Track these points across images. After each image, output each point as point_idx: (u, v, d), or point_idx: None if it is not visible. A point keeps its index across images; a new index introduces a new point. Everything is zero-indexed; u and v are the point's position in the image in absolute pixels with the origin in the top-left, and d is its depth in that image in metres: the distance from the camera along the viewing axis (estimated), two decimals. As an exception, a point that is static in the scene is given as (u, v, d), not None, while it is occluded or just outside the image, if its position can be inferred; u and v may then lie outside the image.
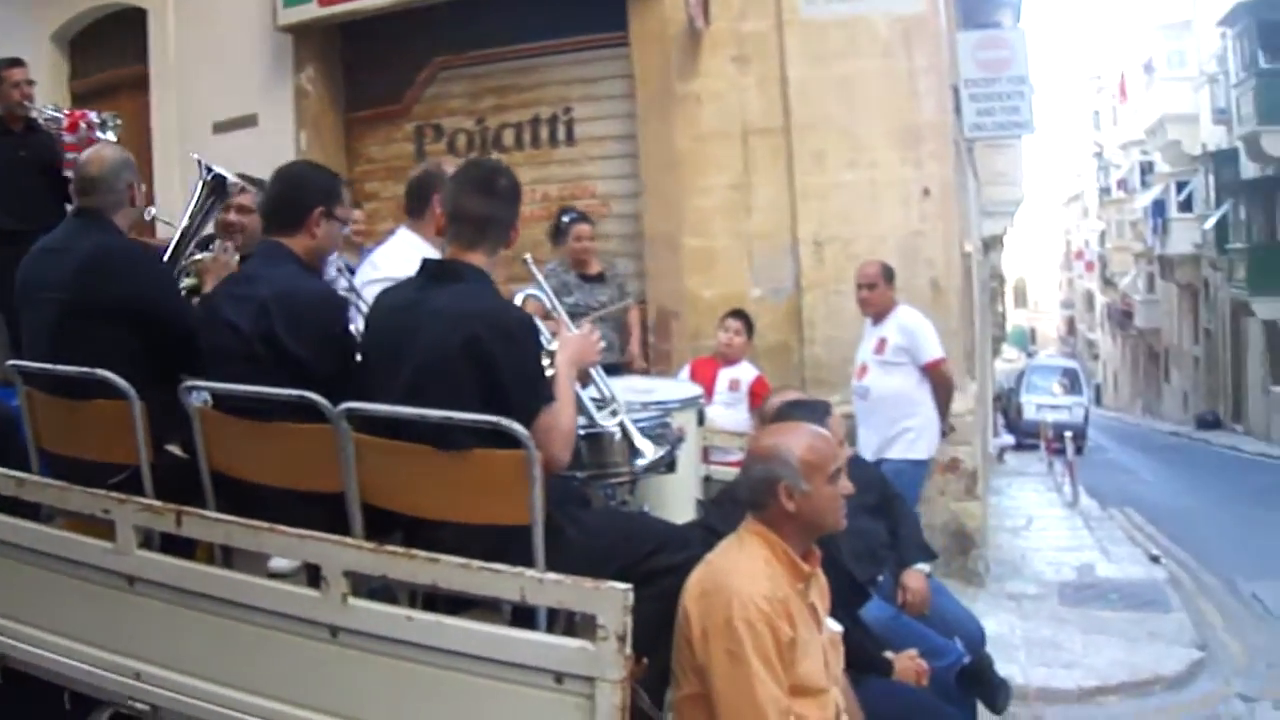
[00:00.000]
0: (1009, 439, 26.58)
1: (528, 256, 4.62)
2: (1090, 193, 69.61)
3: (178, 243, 5.72)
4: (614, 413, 4.67)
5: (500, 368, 3.94)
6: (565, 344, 4.41)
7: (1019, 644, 9.11)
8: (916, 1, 10.10)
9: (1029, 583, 11.37)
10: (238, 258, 5.52)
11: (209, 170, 5.81)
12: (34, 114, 7.91)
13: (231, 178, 5.82)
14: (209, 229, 5.93)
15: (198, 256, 5.67)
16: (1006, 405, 35.03)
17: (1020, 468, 23.73)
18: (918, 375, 8.60)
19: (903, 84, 10.10)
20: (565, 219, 9.08)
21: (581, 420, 4.64)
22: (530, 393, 3.98)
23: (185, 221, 5.77)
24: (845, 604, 4.85)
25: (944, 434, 8.96)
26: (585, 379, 4.59)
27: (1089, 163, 68.16)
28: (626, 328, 9.18)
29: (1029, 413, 33.42)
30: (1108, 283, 64.31)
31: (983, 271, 21.86)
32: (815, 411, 5.00)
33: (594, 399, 4.62)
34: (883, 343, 8.66)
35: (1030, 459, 25.11)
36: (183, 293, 5.46)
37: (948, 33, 11.48)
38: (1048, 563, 12.63)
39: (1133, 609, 10.60)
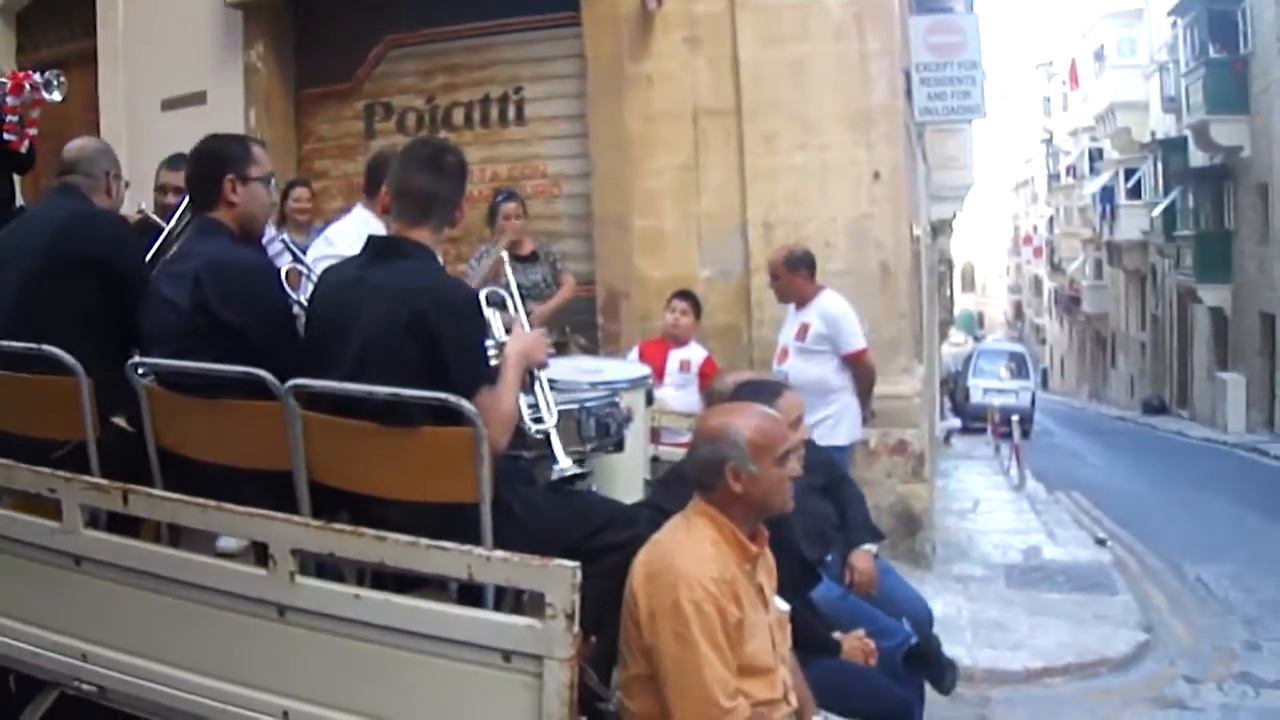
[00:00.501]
0: (956, 422, 26.80)
1: (503, 254, 4.61)
2: (1040, 178, 70.15)
3: (160, 245, 5.71)
4: (540, 421, 4.64)
5: (443, 343, 3.95)
6: (518, 336, 4.41)
7: (966, 625, 9.19)
8: (869, -15, 10.12)
9: (976, 565, 11.46)
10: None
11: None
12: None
13: None
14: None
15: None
16: (954, 389, 35.24)
17: (967, 451, 23.89)
18: (838, 363, 8.57)
19: (854, 67, 10.10)
20: (498, 199, 9.01)
21: (528, 399, 4.66)
22: (471, 370, 3.99)
23: (171, 224, 5.77)
24: (796, 585, 4.86)
25: (865, 421, 8.95)
26: (529, 383, 4.57)
27: (1039, 149, 68.66)
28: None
29: (976, 396, 33.66)
30: (1055, 268, 64.82)
31: (931, 255, 21.96)
32: (769, 391, 5.01)
33: (530, 405, 4.60)
34: (804, 329, 8.63)
35: (977, 442, 25.27)
36: None
37: (900, 17, 11.50)
38: (994, 545, 12.72)
39: (1079, 591, 10.70)
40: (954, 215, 26.09)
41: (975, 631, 9.09)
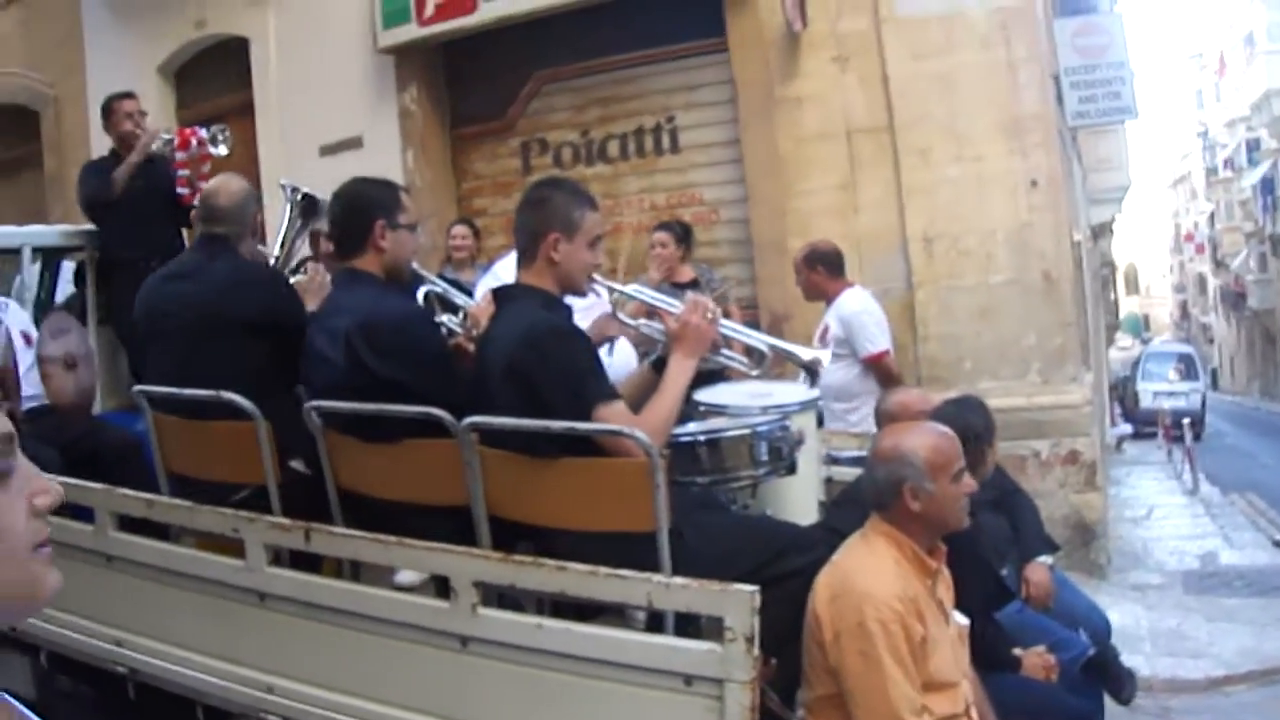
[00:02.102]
0: (1127, 428, 26.26)
1: (595, 275, 4.63)
2: (1197, 173, 68.65)
3: (278, 266, 5.87)
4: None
5: (534, 382, 4.03)
6: (679, 338, 4.42)
7: (1144, 635, 9.00)
8: (1012, -8, 10.05)
9: (1152, 573, 11.24)
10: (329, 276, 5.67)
11: (294, 191, 5.95)
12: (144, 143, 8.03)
13: (321, 197, 5.95)
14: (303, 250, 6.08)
15: (294, 280, 5.79)
16: (1123, 394, 34.60)
17: (1139, 457, 23.43)
18: (860, 367, 8.20)
19: (1003, 76, 10.00)
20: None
21: (702, 426, 4.72)
22: (575, 397, 4.03)
23: (281, 243, 5.91)
24: (990, 601, 4.87)
25: None
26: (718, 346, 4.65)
27: (1194, 143, 67.17)
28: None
29: (1146, 400, 33.02)
30: (1219, 264, 63.32)
31: (1093, 260, 21.65)
32: (965, 407, 5.06)
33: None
34: (825, 330, 8.32)
35: (1149, 447, 24.77)
36: None
37: (1045, 21, 11.39)
38: (1170, 552, 12.48)
39: (1259, 595, 10.43)
40: (1113, 218, 25.70)
41: (1154, 640, 8.90)
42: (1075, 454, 9.94)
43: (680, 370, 4.31)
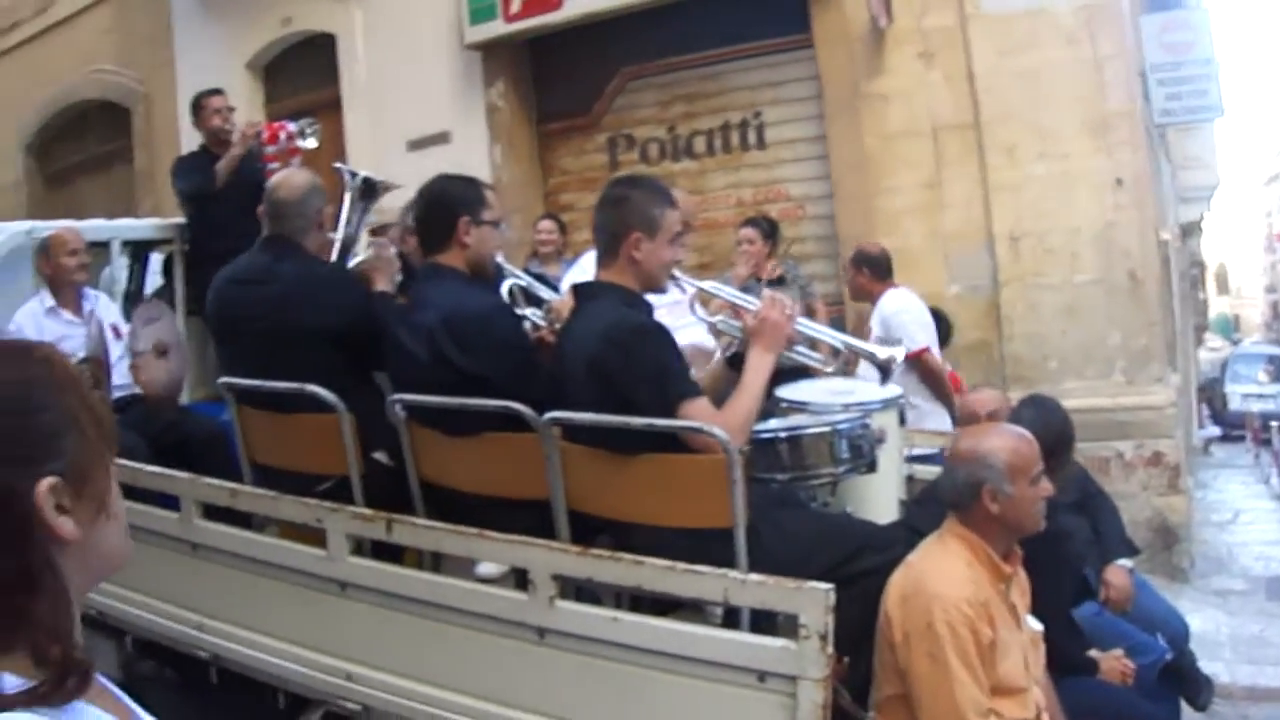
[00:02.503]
0: (1214, 430, 25.93)
1: (676, 271, 4.64)
2: (1292, 171, 67.68)
3: (341, 250, 5.92)
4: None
5: (616, 379, 4.05)
6: (758, 333, 4.43)
7: (1225, 641, 8.90)
8: (1098, -12, 9.96)
9: (1236, 578, 11.07)
10: (394, 249, 5.70)
11: (353, 175, 6.01)
12: (235, 138, 8.14)
13: (379, 180, 6.01)
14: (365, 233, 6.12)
15: (360, 258, 5.85)
16: (1211, 395, 34.13)
17: (1227, 459, 23.11)
18: (904, 366, 8.11)
19: (1089, 73, 9.91)
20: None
21: (783, 422, 4.73)
22: (659, 393, 4.04)
23: (343, 229, 5.96)
24: (1074, 599, 4.85)
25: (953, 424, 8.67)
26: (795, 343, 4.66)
27: (1289, 140, 66.25)
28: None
29: (1234, 403, 32.48)
30: (1312, 264, 62.43)
31: (1181, 259, 21.40)
32: (1043, 408, 5.05)
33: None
34: (869, 331, 8.26)
35: (1237, 450, 24.39)
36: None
37: (1131, 17, 11.29)
38: (1255, 557, 12.27)
39: (1346, 608, 10.30)
40: (1201, 216, 25.40)
41: (1234, 647, 8.79)
42: (1159, 455, 9.84)
43: (760, 366, 4.32)
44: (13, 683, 1.39)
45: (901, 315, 8.19)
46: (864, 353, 5.05)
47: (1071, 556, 4.98)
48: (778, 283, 8.64)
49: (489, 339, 4.58)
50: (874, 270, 8.43)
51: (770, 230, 9.07)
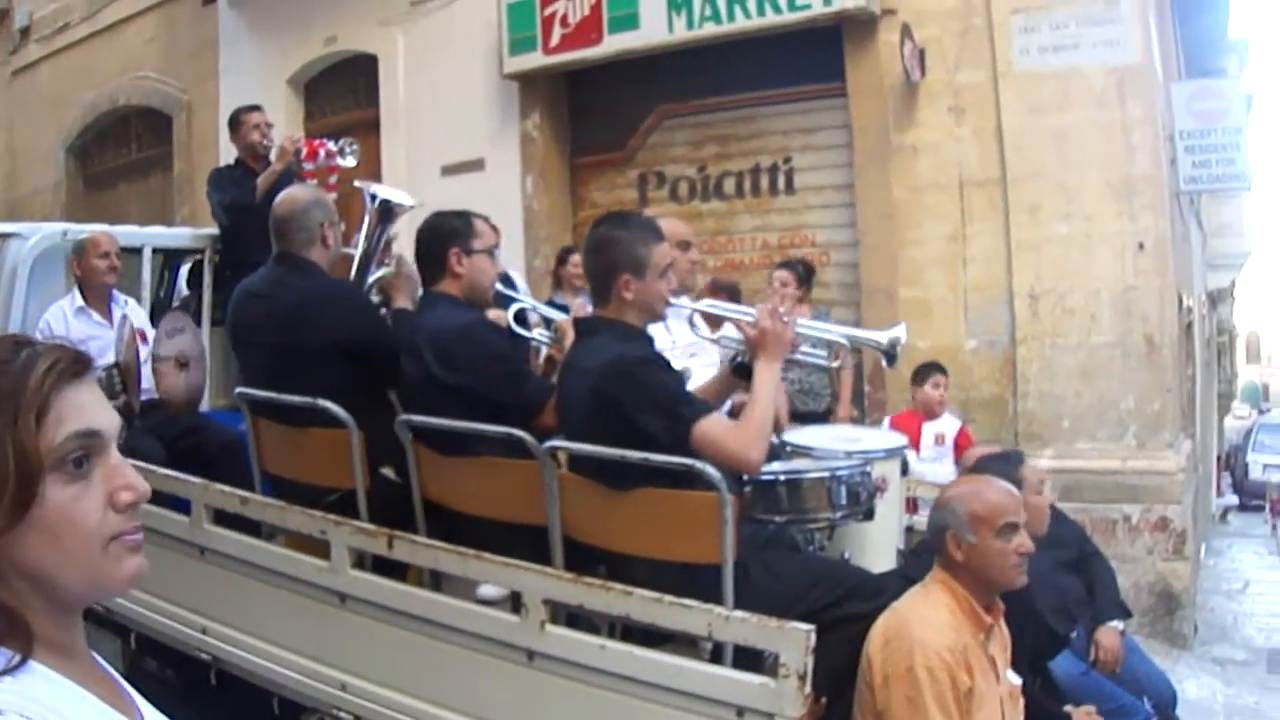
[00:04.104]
0: (1233, 499, 25.83)
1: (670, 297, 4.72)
2: (1327, 243, 67.42)
3: (359, 268, 6.04)
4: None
5: (625, 409, 4.11)
6: (759, 344, 4.45)
7: (1219, 710, 8.83)
8: (1131, 53, 9.96)
9: (1238, 648, 11.03)
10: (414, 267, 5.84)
11: (373, 197, 6.13)
12: (273, 153, 8.23)
13: (397, 201, 6.12)
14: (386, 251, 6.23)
15: (379, 273, 5.97)
16: (1232, 464, 33.92)
17: (1243, 529, 23.00)
18: None
19: (1117, 136, 9.95)
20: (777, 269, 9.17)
21: (785, 465, 4.81)
22: (669, 418, 4.10)
23: (362, 246, 6.07)
24: (1042, 652, 4.91)
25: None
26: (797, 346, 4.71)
27: (1325, 211, 66.09)
28: (838, 385, 9.19)
29: (1255, 472, 32.23)
30: (1345, 338, 62.16)
31: (1208, 326, 21.39)
32: (1010, 461, 5.08)
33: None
34: None
35: (1255, 520, 24.27)
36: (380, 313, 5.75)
37: (1163, 83, 11.34)
38: (1259, 629, 12.22)
39: (1340, 679, 10.26)
40: (1232, 283, 25.38)
41: (1229, 716, 8.73)
42: (1165, 521, 9.85)
43: (766, 376, 4.37)
44: None
45: None
46: (866, 342, 5.13)
47: (1036, 606, 5.02)
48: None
49: (469, 352, 4.75)
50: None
51: (805, 275, 9.16)
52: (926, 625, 3.91)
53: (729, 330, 4.96)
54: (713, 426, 4.12)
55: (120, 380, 6.24)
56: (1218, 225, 20.78)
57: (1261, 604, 13.95)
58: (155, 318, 7.50)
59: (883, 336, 4.97)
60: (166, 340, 6.61)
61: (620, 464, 4.03)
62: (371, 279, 5.96)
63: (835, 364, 5.26)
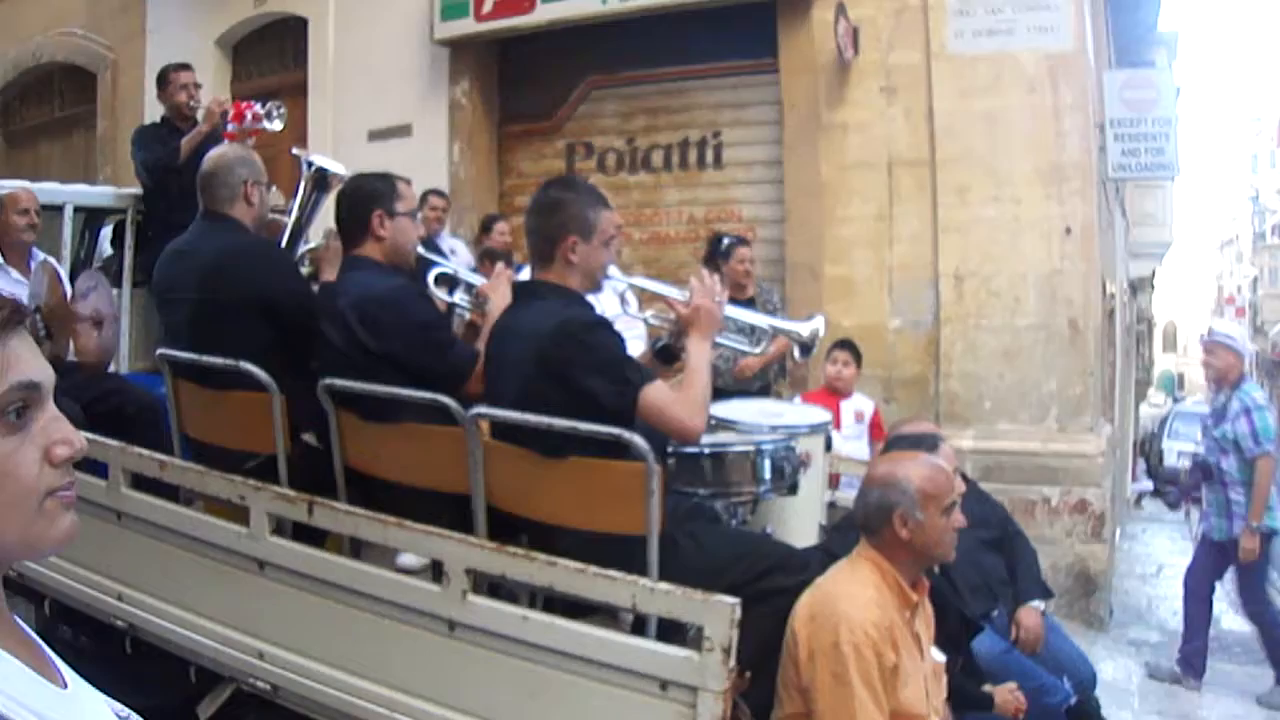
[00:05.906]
0: (1147, 484, 26.15)
1: (611, 268, 4.69)
2: (1245, 237, 68.38)
3: (290, 235, 5.97)
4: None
5: (575, 371, 4.07)
6: (693, 322, 4.45)
7: (1134, 690, 8.96)
8: (1064, 39, 10.02)
9: (1153, 630, 11.16)
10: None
11: (309, 164, 6.05)
12: (200, 114, 8.12)
13: (333, 169, 6.05)
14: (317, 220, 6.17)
15: (310, 245, 5.92)
16: (1147, 451, 34.34)
17: (1157, 514, 23.32)
18: None
19: (1047, 121, 10.02)
20: (726, 241, 9.02)
21: (709, 438, 4.78)
22: (617, 383, 4.08)
23: (295, 214, 6.01)
24: (955, 640, 4.92)
25: None
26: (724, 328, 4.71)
27: (1244, 206, 66.97)
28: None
29: (1169, 459, 32.66)
30: (1258, 330, 62.94)
31: (1128, 313, 21.59)
32: (927, 443, 5.07)
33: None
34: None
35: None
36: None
37: (1095, 71, 11.40)
38: (1174, 611, 12.27)
39: (1256, 664, 10.34)
40: (1153, 273, 25.62)
41: (1144, 697, 8.85)
42: (1085, 503, 9.94)
43: (700, 352, 4.37)
44: None
45: None
46: (788, 332, 5.13)
47: (952, 594, 5.03)
48: (748, 304, 8.65)
49: (395, 319, 4.69)
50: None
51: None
52: (852, 601, 3.90)
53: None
54: (660, 393, 4.10)
55: (45, 326, 6.12)
56: (1141, 215, 20.92)
57: (1175, 587, 13.97)
58: (74, 277, 7.36)
59: (804, 329, 4.97)
60: (81, 299, 6.49)
61: (553, 431, 3.98)
62: (302, 250, 5.89)
63: (756, 350, 5.26)
